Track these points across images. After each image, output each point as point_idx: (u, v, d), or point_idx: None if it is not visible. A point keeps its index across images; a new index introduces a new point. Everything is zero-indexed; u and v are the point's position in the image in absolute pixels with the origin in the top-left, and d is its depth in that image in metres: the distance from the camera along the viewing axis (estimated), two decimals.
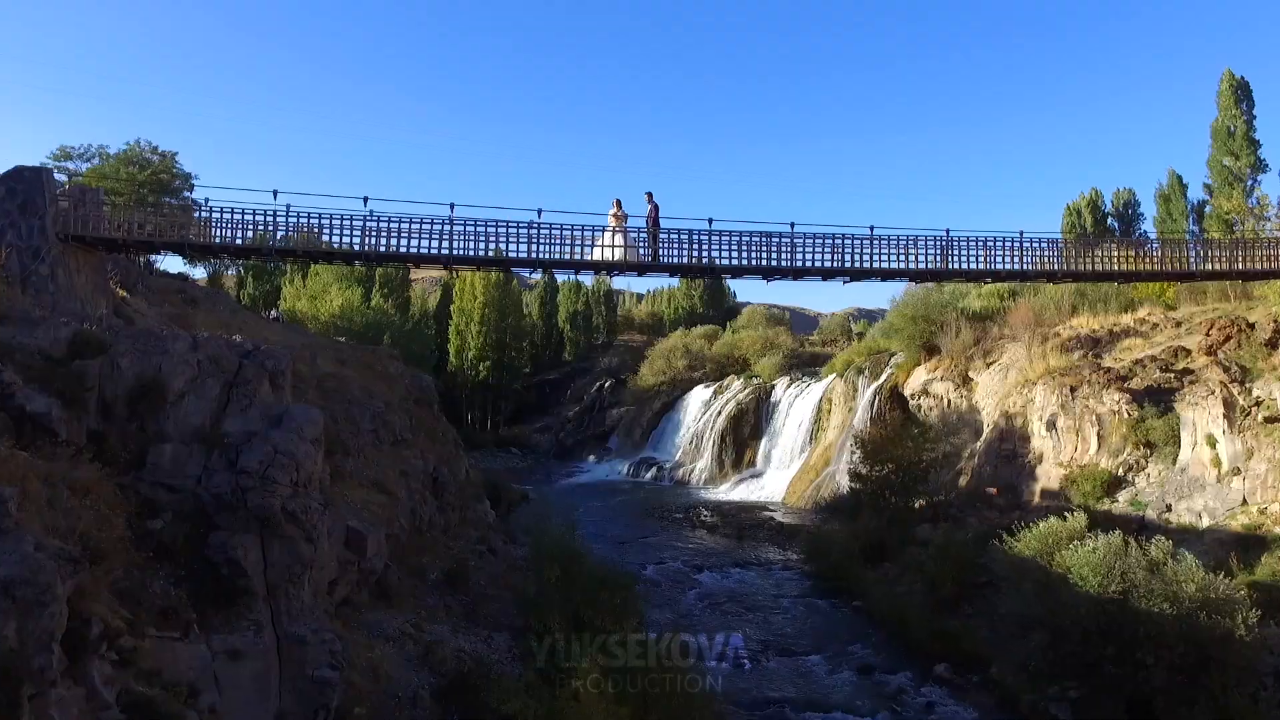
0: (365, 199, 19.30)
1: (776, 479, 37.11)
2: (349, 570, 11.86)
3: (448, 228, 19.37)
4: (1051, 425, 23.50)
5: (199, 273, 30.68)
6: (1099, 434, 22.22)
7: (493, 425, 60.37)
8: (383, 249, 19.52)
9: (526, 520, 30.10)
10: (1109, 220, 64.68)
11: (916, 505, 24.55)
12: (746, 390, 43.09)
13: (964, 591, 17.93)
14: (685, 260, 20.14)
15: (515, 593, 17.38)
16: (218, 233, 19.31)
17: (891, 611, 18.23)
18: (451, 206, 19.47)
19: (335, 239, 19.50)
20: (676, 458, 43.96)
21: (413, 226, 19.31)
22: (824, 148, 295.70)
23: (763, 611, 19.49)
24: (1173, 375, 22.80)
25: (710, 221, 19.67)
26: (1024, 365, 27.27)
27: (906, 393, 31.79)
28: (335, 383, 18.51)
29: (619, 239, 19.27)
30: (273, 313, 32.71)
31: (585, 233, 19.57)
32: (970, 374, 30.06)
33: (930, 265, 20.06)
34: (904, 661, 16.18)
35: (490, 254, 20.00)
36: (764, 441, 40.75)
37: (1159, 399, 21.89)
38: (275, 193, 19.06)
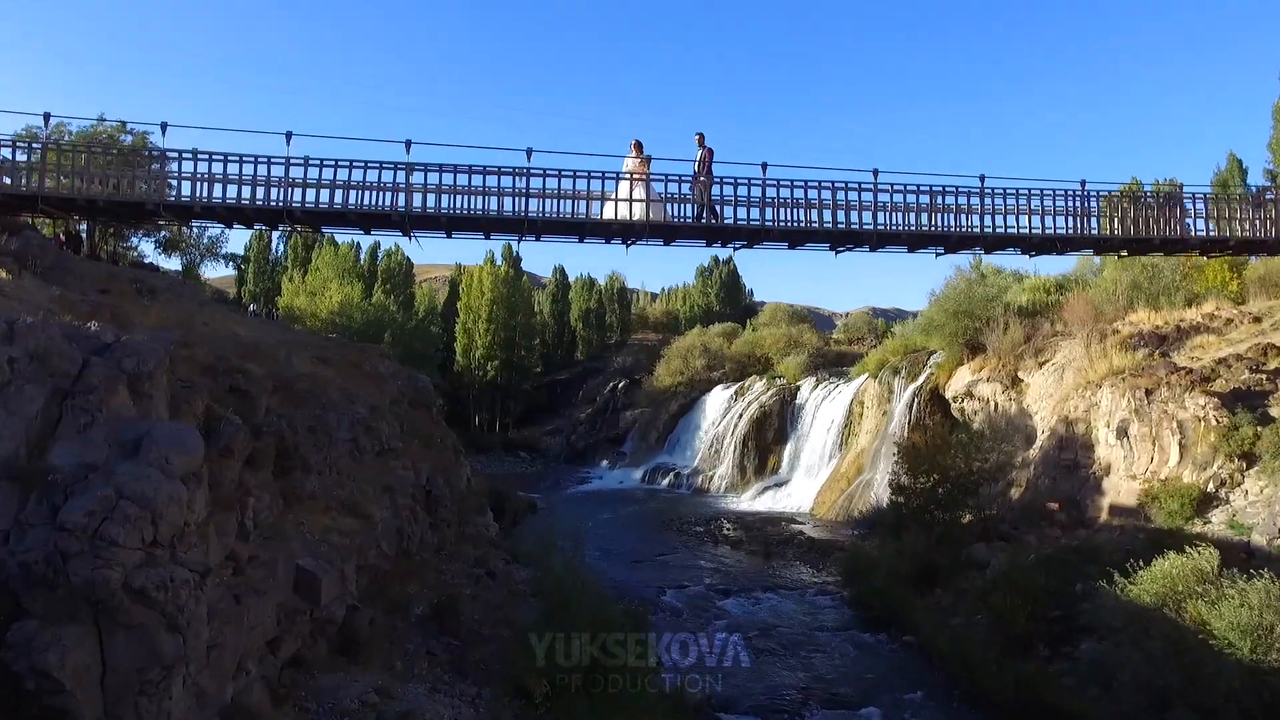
0: (408, 143, 16.13)
1: (803, 488, 34.63)
2: (299, 621, 9.53)
3: (401, 174, 16.10)
4: (1123, 433, 20.91)
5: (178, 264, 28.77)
6: (1181, 443, 19.61)
7: (501, 427, 58.17)
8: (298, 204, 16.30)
9: (533, 537, 27.94)
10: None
11: (964, 520, 22.09)
12: (770, 392, 40.61)
13: (1037, 628, 15.41)
14: (733, 222, 16.65)
15: (512, 630, 15.11)
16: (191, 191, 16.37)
17: (951, 650, 15.74)
18: (408, 145, 16.03)
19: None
20: (695, 464, 41.53)
21: (351, 173, 16.04)
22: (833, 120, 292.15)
23: (801, 649, 17.07)
24: (1264, 376, 20.18)
25: (765, 167, 16.43)
26: (1083, 365, 24.69)
27: (948, 395, 29.24)
28: (309, 385, 16.20)
29: (640, 192, 16.14)
30: (252, 308, 30.47)
31: (601, 185, 16.50)
32: (1020, 374, 27.46)
33: (1066, 230, 17.27)
34: (975, 715, 13.70)
35: (461, 212, 16.67)
36: (789, 447, 38.27)
37: (1251, 403, 19.29)
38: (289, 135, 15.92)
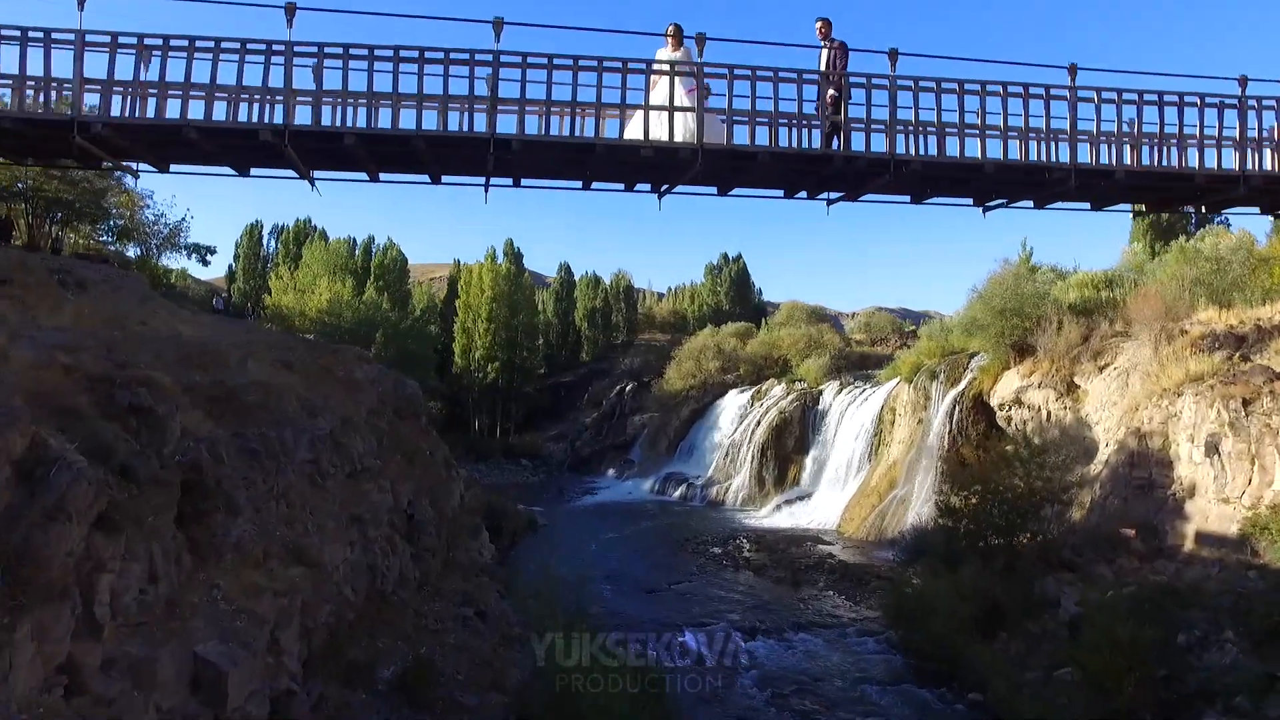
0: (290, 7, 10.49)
1: (828, 502, 31.97)
2: None
3: (277, 66, 10.48)
4: (1212, 449, 18.21)
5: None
6: None
7: (502, 432, 55.64)
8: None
9: (534, 561, 25.37)
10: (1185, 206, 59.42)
11: (1019, 543, 19.47)
12: (790, 397, 37.94)
13: (1143, 693, 12.72)
14: (840, 149, 11.57)
15: (503, 695, 12.63)
16: None
17: (1033, 717, 13.07)
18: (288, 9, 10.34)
19: None
20: (709, 474, 38.88)
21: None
22: None
23: (848, 710, 14.40)
24: None
25: (894, 57, 11.44)
26: (1152, 370, 22.00)
27: (993, 402, 26.56)
28: (260, 396, 13.58)
29: (683, 95, 11.04)
30: (217, 302, 27.94)
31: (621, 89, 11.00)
32: (1076, 379, 24.78)
33: None
34: None
35: (381, 131, 11.14)
36: (811, 457, 35.62)
37: None
38: None
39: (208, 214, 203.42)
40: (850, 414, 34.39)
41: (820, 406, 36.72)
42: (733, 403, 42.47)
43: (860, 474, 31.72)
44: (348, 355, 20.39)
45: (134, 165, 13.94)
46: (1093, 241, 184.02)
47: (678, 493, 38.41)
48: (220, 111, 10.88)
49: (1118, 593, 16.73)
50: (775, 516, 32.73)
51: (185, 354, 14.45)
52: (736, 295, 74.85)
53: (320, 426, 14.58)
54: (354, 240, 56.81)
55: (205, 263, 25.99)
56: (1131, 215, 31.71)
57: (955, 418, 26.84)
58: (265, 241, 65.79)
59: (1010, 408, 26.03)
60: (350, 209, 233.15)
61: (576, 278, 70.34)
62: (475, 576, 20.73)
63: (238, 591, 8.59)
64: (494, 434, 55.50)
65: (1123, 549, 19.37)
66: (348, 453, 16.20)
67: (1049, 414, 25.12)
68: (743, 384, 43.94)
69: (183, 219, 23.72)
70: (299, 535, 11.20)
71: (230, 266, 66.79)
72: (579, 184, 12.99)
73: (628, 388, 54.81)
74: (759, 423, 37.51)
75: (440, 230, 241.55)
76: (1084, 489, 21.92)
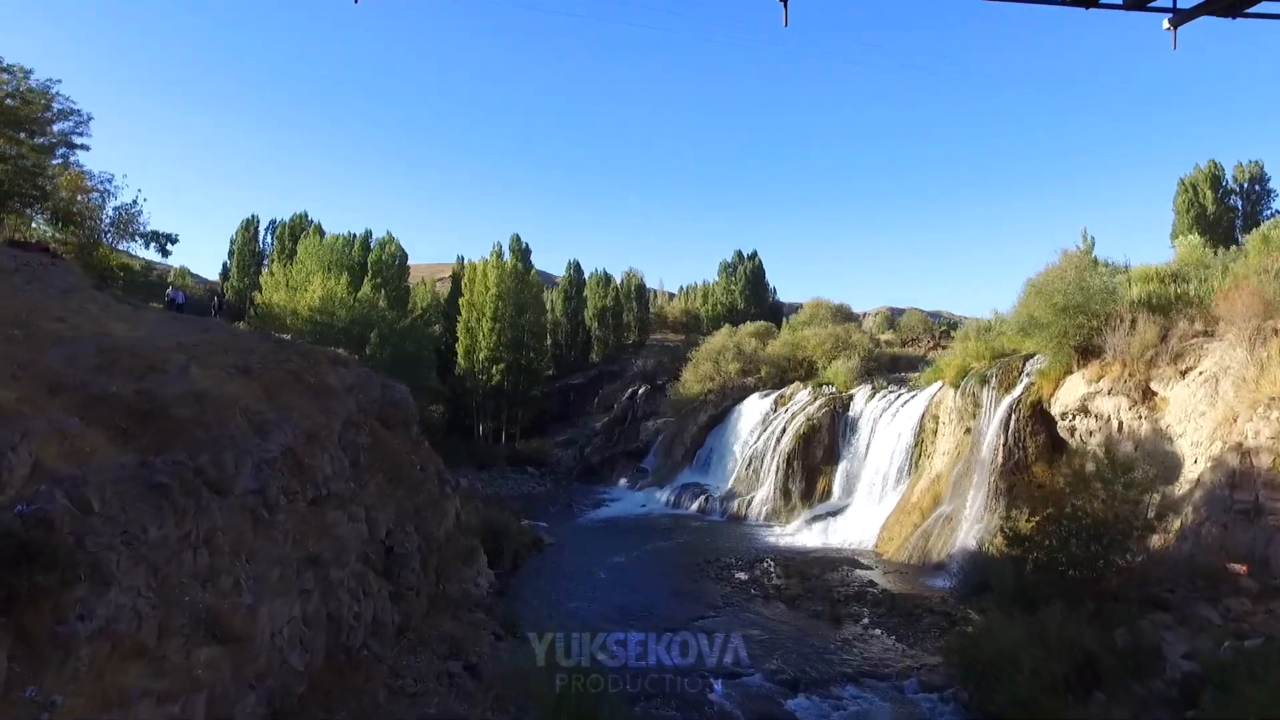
0: None
1: (863, 519, 29.28)
2: None
3: None
4: None
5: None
6: None
7: (507, 438, 53.13)
8: None
9: (539, 590, 22.79)
10: (1232, 198, 56.28)
11: (1106, 580, 16.76)
12: (818, 402, 35.21)
13: None
14: None
15: None
16: None
17: None
18: None
19: None
20: (729, 485, 36.22)
21: None
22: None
23: None
24: None
25: None
26: (1249, 374, 19.23)
27: (1055, 411, 23.84)
28: (192, 411, 11.06)
29: None
30: (173, 294, 25.42)
31: None
32: (1153, 385, 22.04)
33: None
34: None
35: None
36: (842, 468, 32.94)
37: None
38: None
39: (202, 208, 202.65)
40: (885, 421, 31.68)
41: (851, 413, 34.03)
42: (754, 408, 39.80)
43: (899, 488, 29.00)
44: (320, 357, 17.83)
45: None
46: (1129, 236, 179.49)
47: (695, 505, 35.77)
48: None
49: (1237, 644, 14.05)
50: (804, 534, 30.04)
51: (109, 359, 11.93)
52: (752, 294, 72.16)
53: (270, 448, 12.02)
54: (352, 235, 54.24)
55: (165, 252, 23.47)
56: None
57: (1011, 428, 24.10)
58: (261, 237, 63.54)
59: (1074, 417, 23.27)
60: (350, 205, 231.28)
61: (586, 276, 67.75)
62: (469, 613, 18.17)
63: (92, 703, 5.98)
64: (499, 439, 52.98)
65: (1228, 586, 16.64)
66: (311, 475, 13.67)
67: (1121, 424, 22.37)
68: (764, 388, 41.24)
69: (134, 202, 21.16)
70: (220, 597, 8.61)
71: (225, 264, 64.56)
72: None
73: (640, 391, 52.21)
74: (784, 430, 34.84)
75: (445, 229, 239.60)
76: (1170, 512, 19.18)
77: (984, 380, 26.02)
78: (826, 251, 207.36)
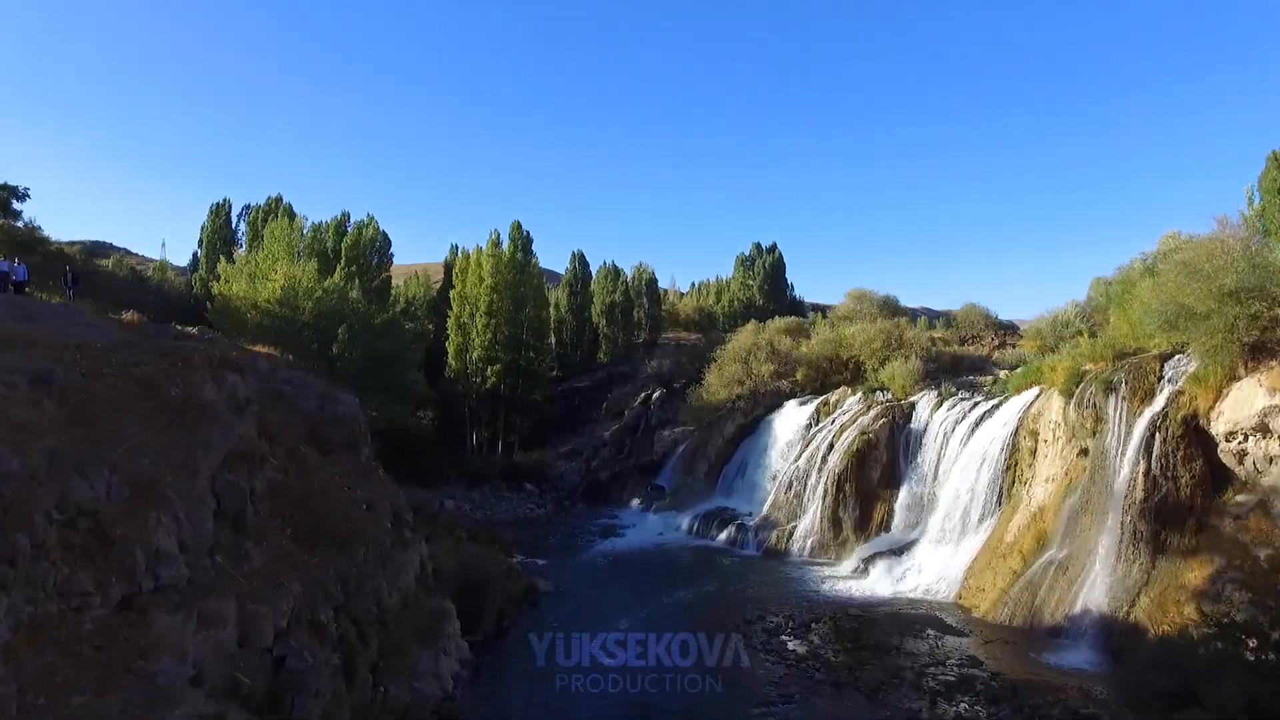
0: None
1: (939, 561, 23.72)
2: None
3: None
4: None
5: None
6: None
7: (504, 448, 47.53)
8: None
9: (528, 665, 17.18)
10: None
11: None
12: (872, 412, 29.53)
13: None
14: None
15: None
16: None
17: None
18: None
19: None
20: (764, 511, 30.57)
21: None
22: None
23: None
24: None
25: None
26: None
27: (1216, 429, 18.19)
28: None
29: None
30: (9, 269, 19.97)
31: None
32: None
33: None
34: None
35: None
36: (903, 493, 27.33)
37: None
38: None
39: (172, 194, 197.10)
40: (959, 436, 26.02)
41: (913, 425, 28.38)
42: (791, 418, 34.18)
43: (985, 523, 23.37)
44: (199, 358, 12.25)
45: None
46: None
47: (724, 536, 30.18)
48: None
49: None
50: (863, 579, 24.45)
51: None
52: (772, 289, 66.47)
53: (35, 520, 6.47)
54: (323, 221, 48.61)
55: (8, 210, 17.95)
56: None
57: (1156, 451, 18.39)
58: (234, 223, 58.17)
59: (1246, 437, 17.59)
60: (335, 193, 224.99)
61: (593, 270, 62.14)
62: None
63: None
64: (494, 450, 47.41)
65: None
66: (124, 557, 8.18)
67: None
68: (802, 393, 35.60)
69: None
70: None
71: (195, 253, 59.27)
72: None
73: (655, 395, 46.62)
74: (831, 446, 29.19)
75: (440, 225, 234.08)
76: None
77: (1109, 387, 20.29)
78: (826, 252, 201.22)
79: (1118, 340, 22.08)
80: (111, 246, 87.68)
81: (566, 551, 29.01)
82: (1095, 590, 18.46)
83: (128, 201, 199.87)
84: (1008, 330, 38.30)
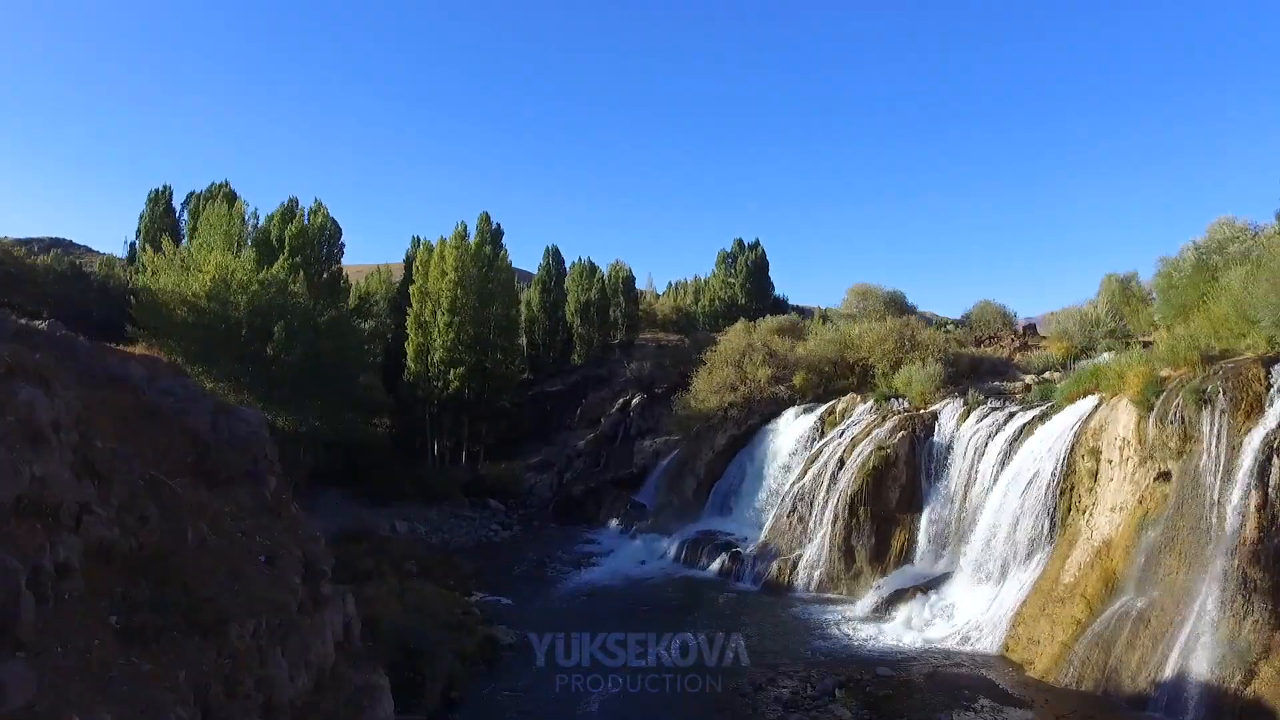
0: None
1: (978, 603, 20.06)
2: None
3: None
4: None
5: None
6: None
7: (469, 458, 43.32)
8: None
9: None
10: None
11: None
12: (889, 423, 25.77)
13: None
14: None
15: None
16: None
17: None
18: None
19: None
20: (762, 536, 26.68)
21: None
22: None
23: None
24: None
25: None
26: None
27: None
28: None
29: None
30: None
31: None
32: None
33: None
34: None
35: None
36: (926, 517, 23.63)
37: None
38: None
39: (111, 178, 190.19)
40: (995, 452, 22.37)
41: (937, 438, 24.67)
42: (792, 428, 30.36)
43: (1036, 558, 19.67)
44: None
45: None
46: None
47: (716, 565, 26.30)
48: None
49: None
50: (886, 623, 20.71)
51: None
52: (754, 288, 62.56)
53: None
54: (279, 208, 44.04)
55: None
56: None
57: (1274, 478, 14.76)
58: (178, 212, 53.42)
59: None
60: (290, 185, 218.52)
61: (568, 266, 58.11)
62: None
63: None
64: (457, 460, 43.20)
65: None
66: None
67: None
68: (802, 400, 31.80)
69: None
70: None
71: (133, 243, 54.45)
72: None
73: (634, 401, 42.72)
74: (842, 462, 25.40)
75: (409, 226, 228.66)
76: None
77: (1202, 398, 16.62)
78: (815, 248, 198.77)
79: (1200, 340, 18.42)
80: (72, 244, 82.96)
81: (535, 584, 24.97)
82: (1195, 653, 14.78)
83: (94, 200, 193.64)
84: (1028, 330, 34.79)
